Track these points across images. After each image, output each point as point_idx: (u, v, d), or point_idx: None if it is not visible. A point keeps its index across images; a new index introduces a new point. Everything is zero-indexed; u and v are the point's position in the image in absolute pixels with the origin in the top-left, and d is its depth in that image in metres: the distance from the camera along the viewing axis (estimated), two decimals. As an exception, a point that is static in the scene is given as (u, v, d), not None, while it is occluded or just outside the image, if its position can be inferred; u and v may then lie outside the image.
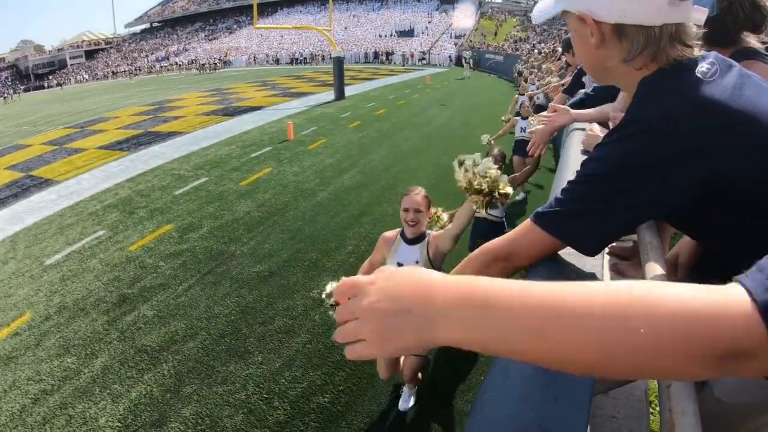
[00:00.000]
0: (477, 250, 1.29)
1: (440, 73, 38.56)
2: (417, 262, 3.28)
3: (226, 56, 62.75)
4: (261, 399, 4.13)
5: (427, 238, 3.37)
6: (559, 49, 18.63)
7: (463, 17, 58.29)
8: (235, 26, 79.12)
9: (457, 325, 0.61)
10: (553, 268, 1.17)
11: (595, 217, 1.07)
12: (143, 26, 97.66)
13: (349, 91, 24.20)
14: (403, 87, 28.28)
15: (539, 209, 1.17)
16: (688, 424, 0.71)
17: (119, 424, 3.98)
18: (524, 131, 8.45)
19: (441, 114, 18.44)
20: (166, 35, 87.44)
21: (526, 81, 13.30)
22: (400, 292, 0.65)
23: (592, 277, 1.18)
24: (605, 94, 2.75)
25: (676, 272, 1.36)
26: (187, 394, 4.27)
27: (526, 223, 1.18)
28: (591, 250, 1.13)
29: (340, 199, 9.16)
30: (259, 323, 5.27)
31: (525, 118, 8.53)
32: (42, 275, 6.76)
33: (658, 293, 0.54)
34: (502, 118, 9.19)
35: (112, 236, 7.93)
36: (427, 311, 0.63)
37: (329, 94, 23.71)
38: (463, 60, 41.84)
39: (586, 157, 1.17)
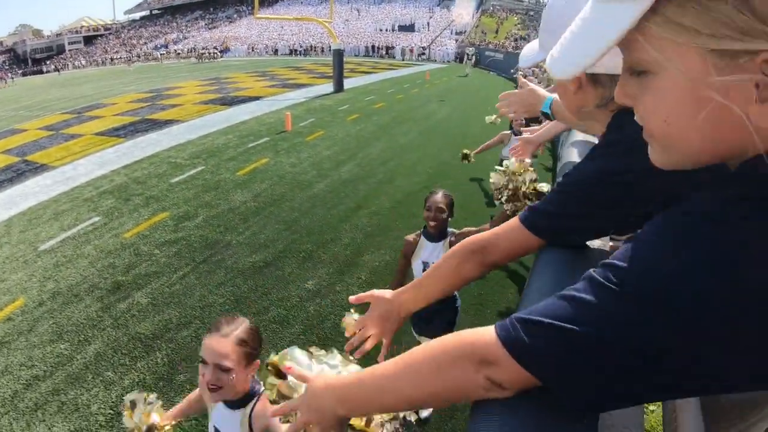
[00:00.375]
0: (458, 244, 1.34)
1: (440, 69, 38.47)
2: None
3: (223, 45, 62.40)
4: (254, 389, 4.13)
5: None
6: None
7: (463, 13, 58.04)
8: (235, 15, 78.78)
9: (339, 406, 0.93)
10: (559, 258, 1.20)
11: (574, 221, 1.15)
12: (143, 13, 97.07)
13: (347, 83, 24.14)
14: (402, 82, 28.22)
15: (526, 209, 1.25)
16: (691, 419, 0.71)
17: (111, 412, 3.97)
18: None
19: (440, 110, 18.41)
20: (166, 23, 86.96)
21: (525, 77, 13.08)
22: (316, 405, 0.96)
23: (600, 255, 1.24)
24: None
25: None
26: (180, 382, 4.27)
27: (513, 221, 1.25)
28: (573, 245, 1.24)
29: (337, 192, 9.14)
30: (253, 313, 5.26)
31: (518, 133, 7.01)
32: (36, 260, 6.73)
33: (457, 335, 0.79)
34: (487, 118, 7.48)
35: (107, 223, 7.90)
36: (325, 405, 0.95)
37: (328, 86, 23.63)
38: (466, 57, 40.45)
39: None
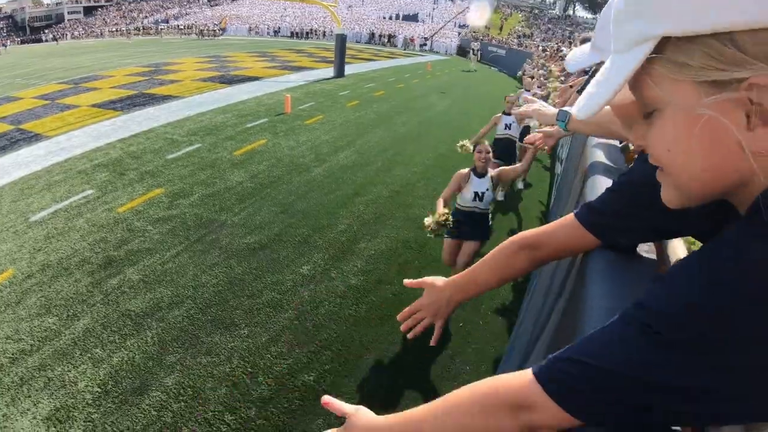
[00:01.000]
0: (510, 239, 1.35)
1: (442, 61, 38.29)
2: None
3: (221, 23, 61.45)
4: (245, 373, 4.06)
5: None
6: (564, 50, 18.58)
7: (479, 16, 57.37)
8: (237, -6, 77.97)
9: None
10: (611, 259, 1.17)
11: (624, 221, 1.13)
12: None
13: (348, 69, 23.94)
14: (402, 71, 28.05)
15: (582, 205, 1.23)
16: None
17: (99, 390, 3.89)
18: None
19: (440, 102, 18.30)
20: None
21: (532, 78, 12.77)
22: None
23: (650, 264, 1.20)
24: None
25: None
26: (170, 363, 4.19)
27: (568, 216, 1.24)
28: (623, 249, 1.22)
29: (335, 177, 9.05)
30: (246, 296, 5.19)
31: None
32: (26, 232, 6.61)
33: (493, 380, 0.81)
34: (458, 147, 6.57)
35: (101, 196, 7.77)
36: None
37: (329, 71, 23.41)
38: (471, 51, 37.73)
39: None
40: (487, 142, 5.05)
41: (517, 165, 5.62)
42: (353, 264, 5.93)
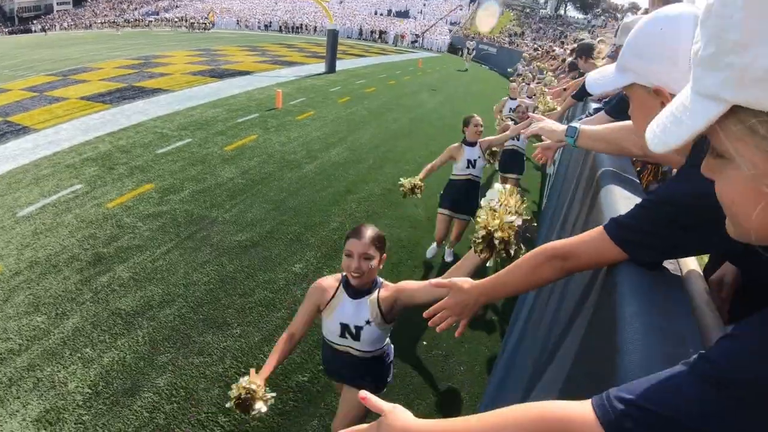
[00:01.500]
0: (540, 248, 1.39)
1: (432, 58, 38.23)
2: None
3: (209, 16, 60.70)
4: (238, 373, 4.01)
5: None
6: (556, 49, 18.59)
7: (487, 22, 57.10)
8: (228, -13, 77.33)
9: None
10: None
11: (658, 239, 1.14)
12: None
13: (339, 65, 23.82)
14: (394, 68, 27.96)
15: (611, 220, 1.25)
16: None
17: (89, 391, 3.83)
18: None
19: (431, 99, 18.28)
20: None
21: (519, 82, 12.35)
22: None
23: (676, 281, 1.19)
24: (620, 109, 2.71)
25: (721, 290, 1.36)
26: (162, 363, 4.13)
27: (597, 229, 1.26)
28: (648, 264, 1.21)
29: (326, 174, 9.01)
30: (239, 294, 5.14)
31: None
32: (14, 227, 6.50)
33: (543, 407, 0.80)
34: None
35: (90, 191, 7.66)
36: None
37: (320, 66, 23.27)
38: (466, 51, 36.51)
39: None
40: (374, 230, 3.76)
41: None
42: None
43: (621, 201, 1.54)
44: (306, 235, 6.55)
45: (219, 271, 5.56)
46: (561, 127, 2.13)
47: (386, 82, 21.46)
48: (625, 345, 0.86)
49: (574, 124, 2.04)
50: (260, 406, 2.49)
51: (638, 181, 1.81)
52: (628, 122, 1.84)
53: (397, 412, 1.01)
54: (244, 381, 2.50)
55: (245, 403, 2.47)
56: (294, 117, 13.27)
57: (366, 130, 12.62)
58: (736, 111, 0.62)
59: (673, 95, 1.16)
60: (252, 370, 2.57)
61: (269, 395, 2.55)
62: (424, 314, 1.66)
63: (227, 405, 2.53)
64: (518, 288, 1.50)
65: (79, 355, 4.20)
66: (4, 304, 4.89)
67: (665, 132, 0.72)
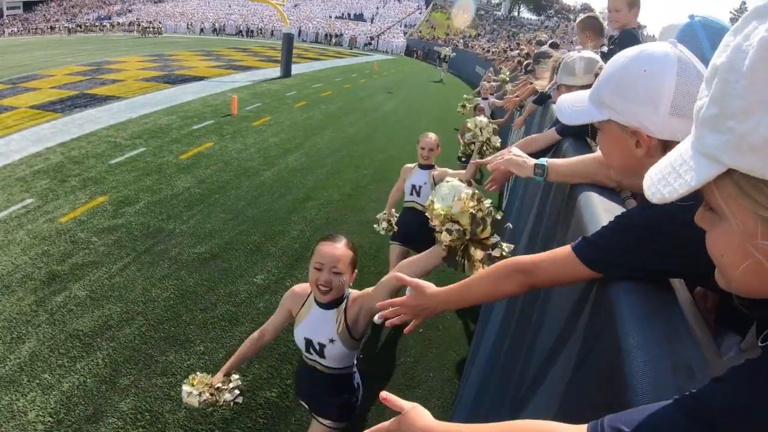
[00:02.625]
0: (503, 262, 1.43)
1: (388, 61, 38.38)
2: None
3: (155, 19, 59.13)
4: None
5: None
6: (511, 52, 18.87)
7: (461, 17, 57.41)
8: (181, -10, 75.92)
9: None
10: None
11: (628, 259, 1.15)
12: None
13: (295, 69, 23.65)
14: (350, 71, 27.94)
15: (581, 239, 1.27)
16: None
17: (51, 419, 3.65)
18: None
19: (388, 101, 18.34)
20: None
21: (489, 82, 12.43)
22: None
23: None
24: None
25: (705, 300, 1.38)
26: (124, 385, 3.99)
27: (565, 248, 1.28)
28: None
29: (285, 181, 8.92)
30: (200, 309, 5.02)
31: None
32: (-41, 243, 6.20)
33: (535, 426, 0.88)
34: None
35: (42, 206, 7.36)
36: None
37: (275, 71, 23.05)
38: (440, 59, 30.64)
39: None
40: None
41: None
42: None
43: (599, 205, 1.58)
44: (266, 245, 6.45)
45: (179, 286, 5.42)
46: (530, 162, 2.09)
47: (342, 85, 21.43)
48: (634, 374, 0.86)
49: (542, 160, 2.05)
50: (229, 397, 2.56)
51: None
52: (597, 154, 1.86)
53: (417, 411, 1.04)
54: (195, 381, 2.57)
55: (212, 398, 2.53)
56: (250, 123, 13.11)
57: (323, 134, 12.57)
58: (731, 172, 0.64)
59: (650, 138, 1.24)
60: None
61: (232, 384, 2.62)
62: (378, 305, 1.68)
63: (195, 405, 2.52)
64: (480, 299, 1.54)
65: (38, 381, 4.01)
66: (-49, 328, 4.65)
67: (664, 185, 0.74)
